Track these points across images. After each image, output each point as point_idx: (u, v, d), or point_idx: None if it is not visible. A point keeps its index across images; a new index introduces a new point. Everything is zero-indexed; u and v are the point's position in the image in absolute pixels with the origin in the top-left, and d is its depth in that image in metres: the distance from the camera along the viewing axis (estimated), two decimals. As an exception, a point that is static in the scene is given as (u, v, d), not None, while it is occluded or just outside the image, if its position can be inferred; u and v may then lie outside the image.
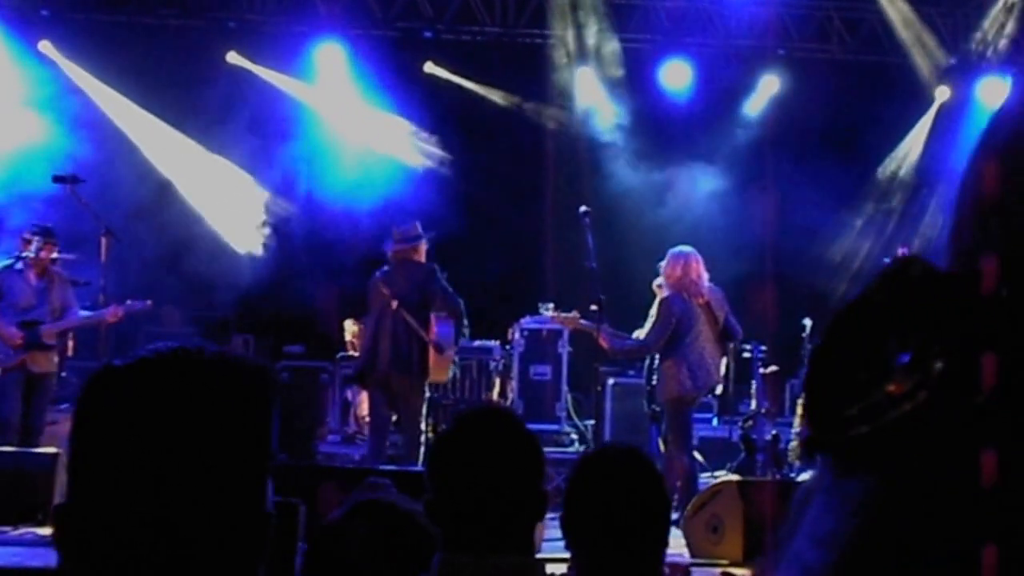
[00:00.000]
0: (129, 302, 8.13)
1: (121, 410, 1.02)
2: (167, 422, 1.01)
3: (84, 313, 8.06)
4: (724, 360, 7.85)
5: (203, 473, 1.02)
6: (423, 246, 7.59)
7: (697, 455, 9.19)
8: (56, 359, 8.01)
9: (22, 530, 6.67)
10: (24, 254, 7.80)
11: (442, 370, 7.52)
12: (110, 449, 1.01)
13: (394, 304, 7.30)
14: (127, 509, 1.00)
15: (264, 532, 1.07)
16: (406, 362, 7.33)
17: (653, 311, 7.72)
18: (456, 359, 7.85)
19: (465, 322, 7.63)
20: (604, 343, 7.52)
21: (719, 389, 9.58)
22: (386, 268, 7.53)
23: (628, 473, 2.11)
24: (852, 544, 0.75)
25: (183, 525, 1.00)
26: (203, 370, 1.04)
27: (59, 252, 7.95)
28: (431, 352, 7.32)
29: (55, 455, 7.23)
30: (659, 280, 9.53)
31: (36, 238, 7.83)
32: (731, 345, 8.09)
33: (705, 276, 7.69)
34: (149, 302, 8.27)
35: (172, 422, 1.01)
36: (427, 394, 7.58)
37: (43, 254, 7.81)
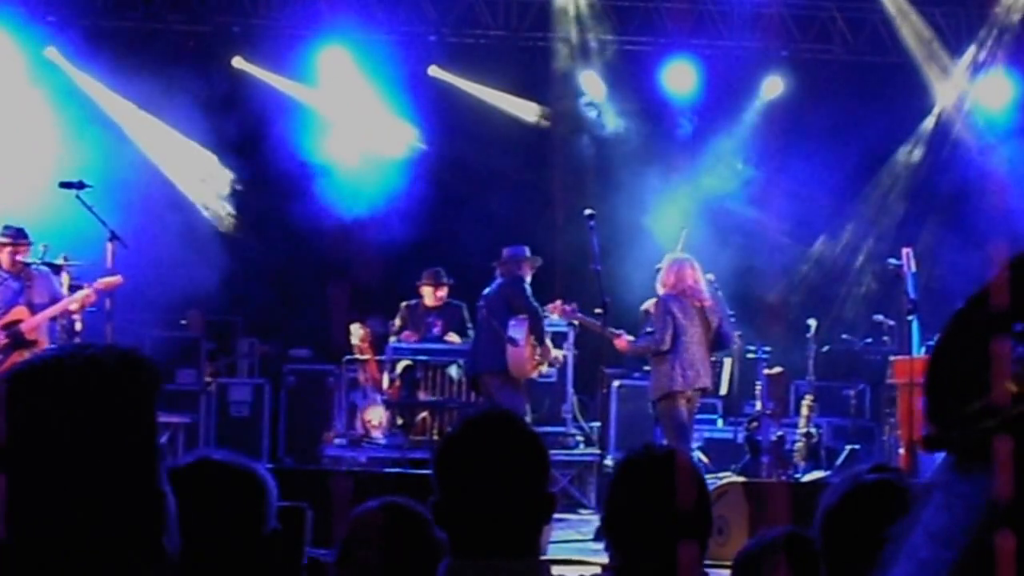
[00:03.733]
0: (99, 280, 8.16)
1: (17, 410, 1.14)
2: (48, 427, 1.13)
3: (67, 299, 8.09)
4: (728, 363, 7.97)
5: (92, 465, 1.13)
6: (526, 264, 8.52)
7: (701, 456, 9.21)
8: None
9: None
10: None
11: (520, 366, 8.29)
12: (11, 447, 1.13)
13: (484, 312, 8.38)
14: (30, 504, 1.12)
15: (159, 508, 1.17)
16: (488, 361, 8.28)
17: (652, 312, 7.91)
18: (538, 357, 8.57)
19: (545, 328, 8.68)
20: (622, 344, 7.99)
21: (723, 390, 9.62)
22: (492, 284, 8.57)
23: (671, 477, 2.11)
24: (973, 541, 0.74)
25: (83, 517, 1.12)
26: (74, 371, 1.16)
27: (28, 249, 7.96)
28: (509, 350, 8.22)
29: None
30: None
31: (5, 239, 7.86)
32: (723, 352, 8.16)
33: (702, 281, 7.83)
34: (119, 276, 8.30)
35: (53, 425, 1.14)
36: (518, 392, 8.37)
37: (18, 256, 7.86)
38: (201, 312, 10.73)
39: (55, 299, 8.04)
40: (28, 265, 8.01)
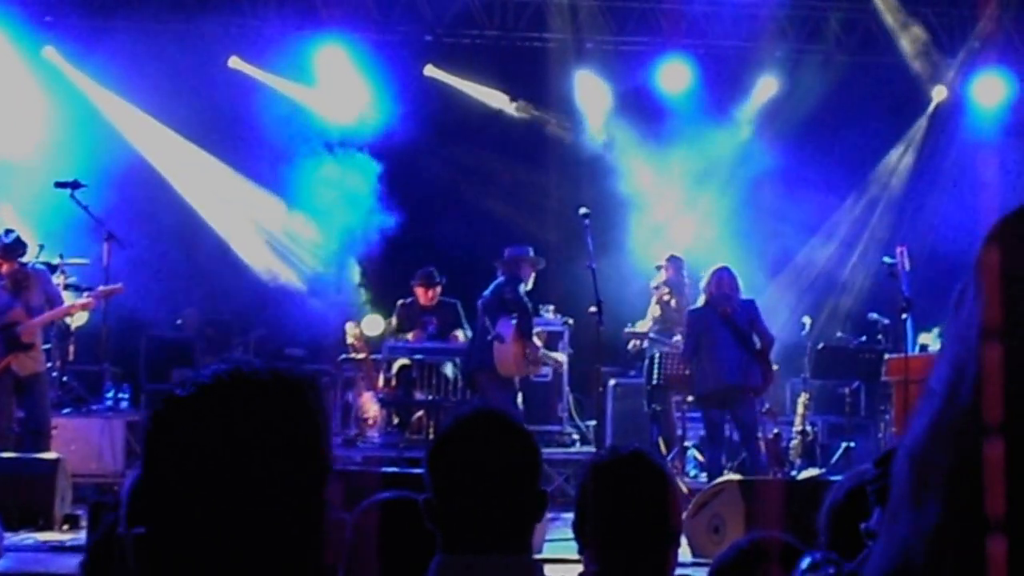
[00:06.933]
0: (101, 288, 8.14)
1: (192, 441, 1.06)
2: (238, 447, 1.06)
3: (69, 301, 8.05)
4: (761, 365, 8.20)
5: (278, 491, 1.06)
6: (526, 264, 8.70)
7: (697, 454, 9.24)
8: (42, 357, 7.97)
9: (23, 535, 6.67)
10: None
11: (506, 364, 8.40)
12: (186, 479, 1.05)
13: (480, 310, 8.55)
14: (207, 534, 1.04)
15: (335, 537, 1.12)
16: (478, 358, 8.48)
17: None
18: (528, 355, 8.65)
19: (534, 324, 8.86)
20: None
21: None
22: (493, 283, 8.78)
23: (638, 476, 2.12)
24: None
25: (261, 544, 1.05)
26: (263, 391, 1.09)
27: (21, 259, 7.90)
28: (496, 347, 8.37)
29: (56, 460, 7.23)
30: (655, 280, 9.71)
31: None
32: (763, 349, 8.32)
33: (736, 288, 8.12)
34: (120, 285, 8.30)
35: (242, 445, 1.06)
36: (510, 390, 8.50)
37: (12, 266, 7.81)
38: (198, 311, 10.73)
39: (51, 300, 7.99)
40: (24, 265, 7.95)
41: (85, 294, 8.13)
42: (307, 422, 1.10)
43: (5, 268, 7.82)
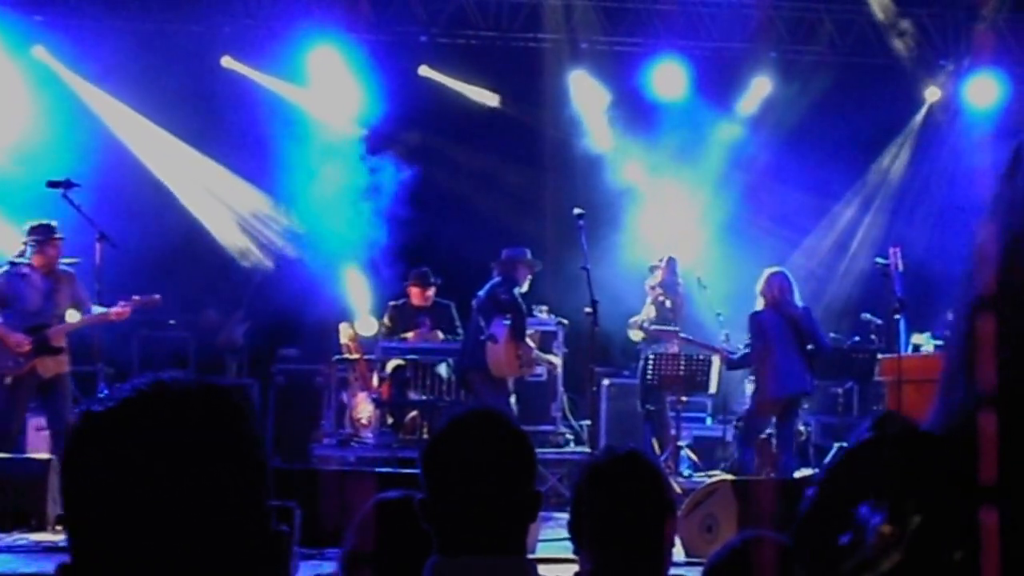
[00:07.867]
0: (136, 297, 8.09)
1: (111, 459, 0.99)
2: (165, 460, 0.99)
3: (98, 310, 7.98)
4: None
5: (206, 508, 1.00)
6: (522, 266, 8.72)
7: (691, 454, 9.25)
8: (66, 360, 7.90)
9: (15, 536, 6.66)
10: (22, 259, 7.72)
11: (499, 364, 8.45)
12: (107, 500, 0.98)
13: (474, 310, 8.62)
14: (134, 560, 0.98)
15: (277, 551, 1.05)
16: (472, 358, 8.54)
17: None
18: (520, 356, 8.65)
19: (527, 327, 8.85)
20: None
21: (712, 389, 9.64)
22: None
23: (633, 476, 2.12)
24: None
25: (192, 565, 0.99)
26: (188, 401, 1.02)
27: (60, 244, 7.81)
28: (488, 347, 8.41)
29: (47, 461, 7.22)
30: (650, 281, 9.72)
31: (30, 238, 7.75)
32: (815, 357, 8.34)
33: (793, 293, 8.12)
34: (157, 296, 8.27)
35: (169, 458, 0.99)
36: (499, 390, 8.50)
37: (49, 250, 7.73)
38: (218, 312, 10.70)
39: (79, 304, 7.90)
40: (55, 267, 7.85)
41: (120, 303, 8.07)
42: (238, 431, 1.03)
43: (39, 258, 7.72)
